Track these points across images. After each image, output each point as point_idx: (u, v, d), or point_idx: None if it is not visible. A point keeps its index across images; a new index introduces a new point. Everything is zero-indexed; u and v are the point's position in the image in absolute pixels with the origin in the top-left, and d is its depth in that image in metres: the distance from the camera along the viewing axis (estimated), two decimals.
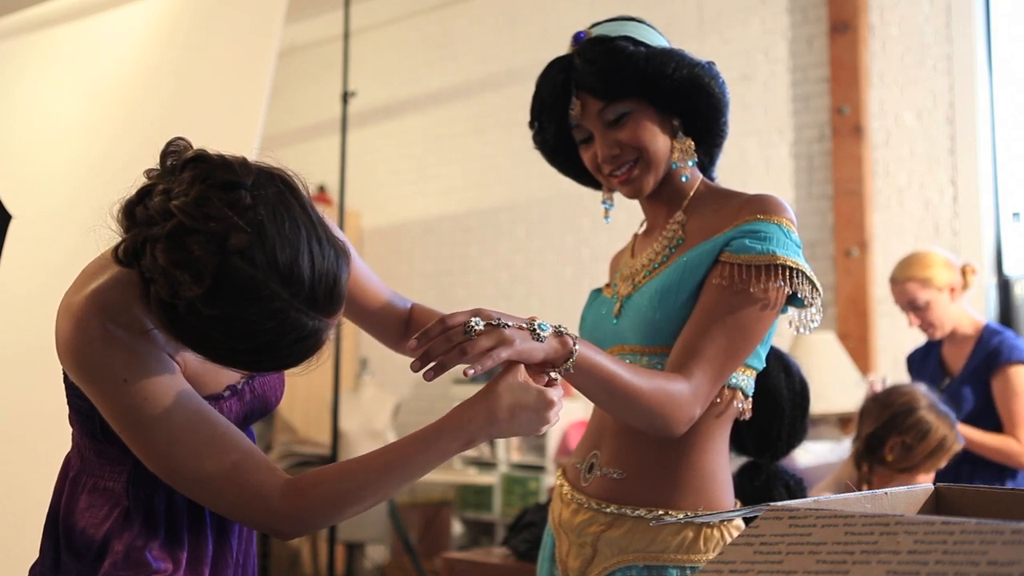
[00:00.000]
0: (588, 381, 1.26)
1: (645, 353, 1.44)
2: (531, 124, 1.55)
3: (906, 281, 2.99)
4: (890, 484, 2.28)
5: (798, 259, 1.39)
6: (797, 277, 1.38)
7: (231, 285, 1.04)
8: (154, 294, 1.07)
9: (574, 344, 1.23)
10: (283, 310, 1.06)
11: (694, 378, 1.34)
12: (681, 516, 1.37)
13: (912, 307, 2.99)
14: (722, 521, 1.41)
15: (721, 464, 1.45)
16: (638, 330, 1.45)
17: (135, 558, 1.21)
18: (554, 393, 1.19)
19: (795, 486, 1.61)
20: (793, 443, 1.62)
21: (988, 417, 2.88)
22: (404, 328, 1.56)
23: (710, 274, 1.40)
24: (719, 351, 1.35)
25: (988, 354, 2.91)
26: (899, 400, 2.34)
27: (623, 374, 1.28)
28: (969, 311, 3.04)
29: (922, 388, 2.42)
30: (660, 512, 1.40)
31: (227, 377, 1.29)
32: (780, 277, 1.37)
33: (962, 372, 2.97)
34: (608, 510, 1.43)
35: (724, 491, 1.45)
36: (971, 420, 2.88)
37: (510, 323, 1.17)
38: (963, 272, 3.02)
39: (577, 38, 1.48)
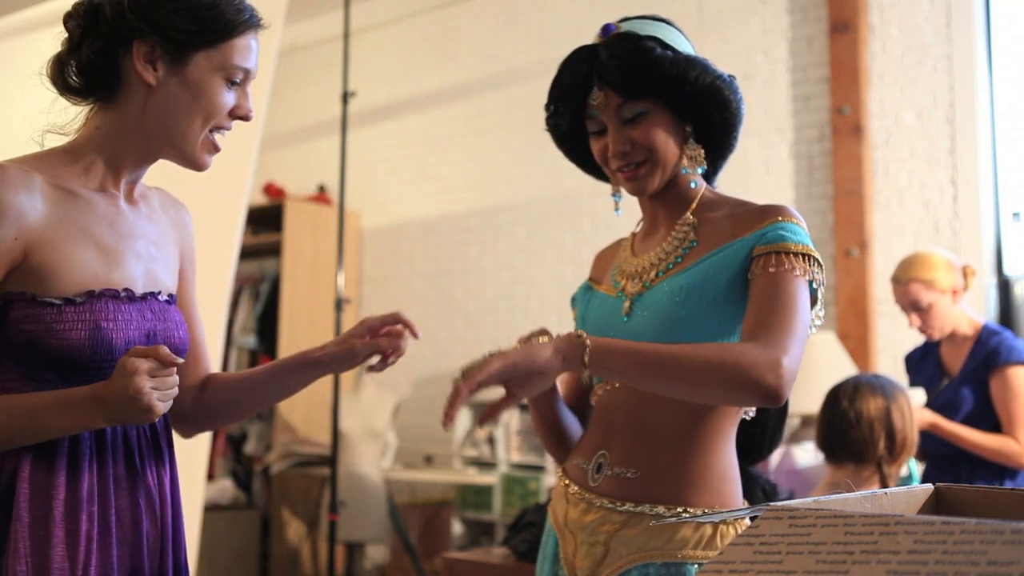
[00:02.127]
0: (621, 364, 1.30)
1: None
2: (547, 107, 1.56)
3: (910, 282, 2.98)
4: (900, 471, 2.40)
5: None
6: (819, 272, 1.42)
7: None
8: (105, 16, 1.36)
9: (581, 335, 1.30)
10: None
11: (761, 338, 1.33)
12: (699, 513, 1.39)
13: (915, 308, 2.99)
14: (736, 519, 1.42)
15: (732, 462, 1.48)
16: (659, 326, 1.45)
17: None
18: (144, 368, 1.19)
19: (770, 491, 1.66)
20: (772, 448, 1.72)
21: (987, 418, 2.88)
22: (198, 388, 1.53)
23: (753, 269, 1.41)
24: (782, 316, 1.35)
25: (987, 355, 2.91)
26: (843, 415, 2.36)
27: (666, 346, 1.32)
28: (968, 311, 3.03)
29: (845, 384, 2.44)
30: (679, 510, 1.41)
31: (122, 278, 1.35)
32: (811, 266, 1.41)
33: (960, 372, 2.97)
34: (622, 508, 1.44)
35: (736, 489, 1.48)
36: (970, 421, 2.88)
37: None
38: (964, 273, 3.02)
39: (606, 30, 1.50)
